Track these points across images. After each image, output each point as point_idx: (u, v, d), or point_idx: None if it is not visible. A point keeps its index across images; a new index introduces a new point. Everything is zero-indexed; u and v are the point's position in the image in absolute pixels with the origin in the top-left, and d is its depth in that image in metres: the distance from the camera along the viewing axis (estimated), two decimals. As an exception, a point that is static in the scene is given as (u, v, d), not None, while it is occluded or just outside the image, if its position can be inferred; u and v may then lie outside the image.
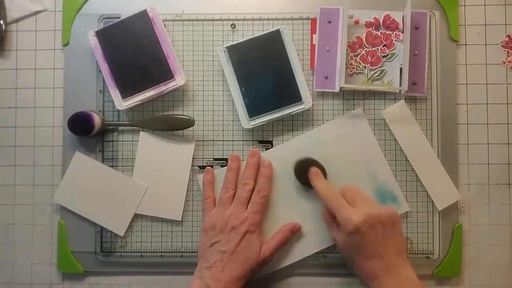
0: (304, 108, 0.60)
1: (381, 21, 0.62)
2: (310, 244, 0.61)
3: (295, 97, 0.60)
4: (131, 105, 0.61)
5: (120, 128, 0.63)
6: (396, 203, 0.61)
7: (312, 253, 0.61)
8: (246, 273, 0.55)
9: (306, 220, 0.61)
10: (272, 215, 0.61)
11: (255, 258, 0.56)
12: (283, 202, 0.61)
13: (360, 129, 0.62)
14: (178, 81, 0.60)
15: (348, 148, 0.61)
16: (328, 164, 0.61)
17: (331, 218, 0.55)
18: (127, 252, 0.62)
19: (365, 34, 0.62)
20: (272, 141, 0.63)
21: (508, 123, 0.63)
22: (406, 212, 0.61)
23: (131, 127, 0.63)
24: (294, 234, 0.60)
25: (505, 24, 0.63)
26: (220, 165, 0.62)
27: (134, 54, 0.60)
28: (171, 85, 0.60)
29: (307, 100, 0.60)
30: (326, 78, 0.62)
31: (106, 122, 0.62)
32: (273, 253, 0.58)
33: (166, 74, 0.60)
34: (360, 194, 0.55)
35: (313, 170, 0.59)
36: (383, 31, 0.62)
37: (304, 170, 0.60)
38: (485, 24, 0.63)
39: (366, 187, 0.61)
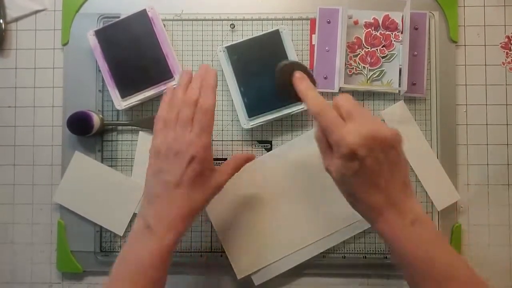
0: (303, 108, 0.60)
1: (380, 22, 0.62)
2: (313, 246, 0.60)
3: (295, 97, 0.60)
4: (130, 104, 0.61)
5: (120, 127, 0.63)
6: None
7: (314, 255, 0.61)
8: (195, 206, 0.47)
9: (310, 221, 0.61)
10: (274, 216, 0.61)
11: (205, 187, 0.47)
12: (285, 203, 0.61)
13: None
14: (178, 80, 0.60)
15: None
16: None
17: (326, 141, 0.45)
18: (126, 251, 0.62)
19: (364, 35, 0.62)
20: (271, 141, 0.63)
21: (507, 124, 0.63)
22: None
23: (130, 127, 0.63)
24: (247, 163, 0.53)
25: (504, 25, 0.63)
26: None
27: (133, 53, 0.60)
28: (170, 85, 0.60)
29: (306, 100, 0.60)
30: (325, 78, 0.62)
31: (105, 122, 0.62)
32: (226, 180, 0.50)
33: (166, 74, 0.60)
34: (357, 106, 0.44)
35: (298, 75, 0.48)
36: (382, 32, 0.62)
37: (287, 76, 0.49)
38: (485, 25, 0.63)
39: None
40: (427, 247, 0.43)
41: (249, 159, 0.54)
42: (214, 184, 0.49)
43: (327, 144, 0.45)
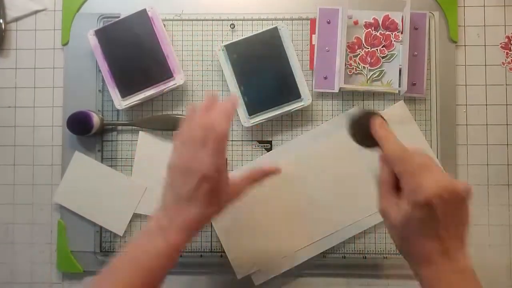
0: (303, 105, 0.60)
1: (380, 22, 0.62)
2: (313, 246, 0.61)
3: (294, 94, 0.60)
4: (130, 104, 0.61)
5: (120, 127, 0.63)
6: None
7: (314, 255, 0.61)
8: (206, 218, 0.49)
9: (310, 221, 0.61)
10: (274, 216, 0.61)
11: (216, 203, 0.49)
12: (284, 204, 0.61)
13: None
14: (178, 80, 0.61)
15: (348, 149, 0.61)
16: (328, 164, 0.61)
17: (391, 185, 0.46)
18: (126, 251, 0.62)
19: (364, 35, 0.62)
20: (271, 141, 0.63)
21: (507, 124, 0.63)
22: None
23: (130, 127, 0.63)
24: (266, 177, 0.54)
25: (504, 25, 0.63)
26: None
27: (133, 53, 0.60)
28: (170, 85, 0.61)
29: (306, 97, 0.60)
30: (325, 78, 0.62)
31: (105, 122, 0.62)
32: (241, 195, 0.52)
33: (166, 74, 0.60)
34: (433, 160, 0.46)
35: (378, 121, 0.49)
36: (382, 32, 0.62)
37: (362, 125, 0.50)
38: (484, 25, 0.63)
39: (367, 187, 0.61)
40: None
41: (266, 172, 0.53)
42: (225, 201, 0.51)
43: (391, 187, 0.46)
